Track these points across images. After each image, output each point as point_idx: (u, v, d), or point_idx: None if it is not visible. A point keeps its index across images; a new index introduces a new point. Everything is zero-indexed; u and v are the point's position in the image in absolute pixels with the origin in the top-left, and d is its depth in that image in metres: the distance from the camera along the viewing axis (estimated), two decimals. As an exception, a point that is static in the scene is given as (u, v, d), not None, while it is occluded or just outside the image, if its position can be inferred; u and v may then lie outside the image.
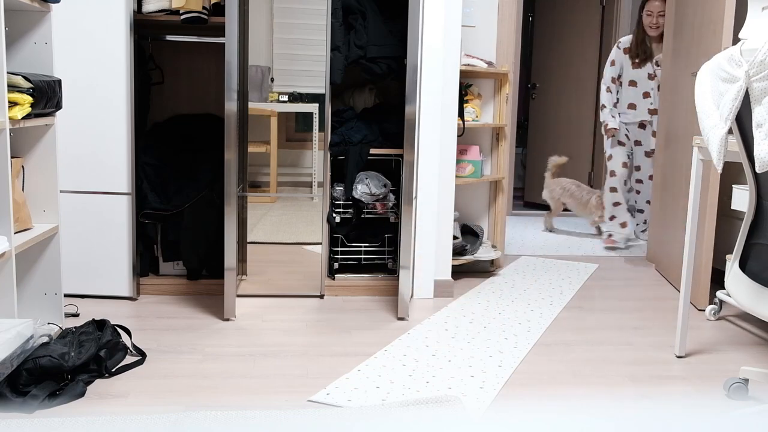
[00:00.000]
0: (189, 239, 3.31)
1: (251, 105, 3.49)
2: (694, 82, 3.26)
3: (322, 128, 3.39)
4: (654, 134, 4.62)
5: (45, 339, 2.24)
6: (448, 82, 3.37)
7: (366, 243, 3.54)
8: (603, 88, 4.63)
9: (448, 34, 3.34)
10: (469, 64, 3.66)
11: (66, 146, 3.12)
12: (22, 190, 2.67)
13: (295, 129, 3.90)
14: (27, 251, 2.70)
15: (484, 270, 3.98)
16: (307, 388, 2.32)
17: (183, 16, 3.11)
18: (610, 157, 4.64)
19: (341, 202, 3.43)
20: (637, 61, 4.51)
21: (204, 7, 3.13)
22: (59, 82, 2.60)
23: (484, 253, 3.79)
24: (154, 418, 2.04)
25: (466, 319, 3.10)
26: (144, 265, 3.37)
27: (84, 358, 2.27)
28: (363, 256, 3.54)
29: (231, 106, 2.87)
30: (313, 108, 3.69)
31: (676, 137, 3.84)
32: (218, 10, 3.17)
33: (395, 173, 3.50)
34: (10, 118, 2.29)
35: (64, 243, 3.17)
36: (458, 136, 3.49)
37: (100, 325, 2.56)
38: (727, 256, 3.30)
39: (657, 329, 3.06)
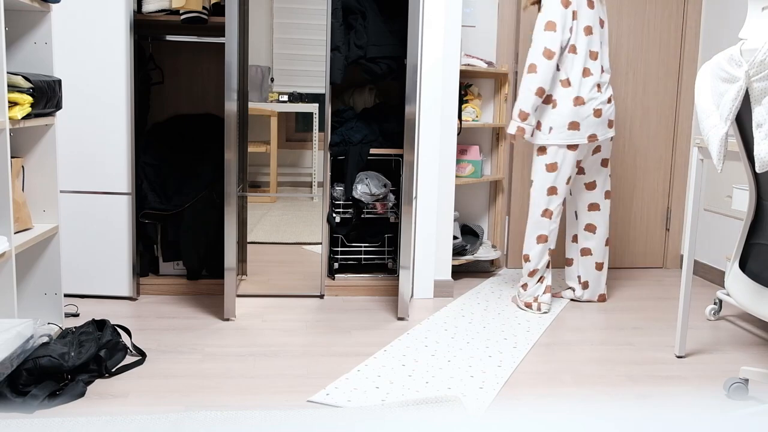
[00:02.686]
0: (189, 239, 3.31)
1: (251, 105, 3.49)
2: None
3: (322, 128, 3.39)
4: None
5: (45, 339, 2.24)
6: (448, 82, 3.37)
7: (366, 243, 3.54)
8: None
9: (448, 34, 3.34)
10: (469, 64, 3.66)
11: (66, 146, 3.12)
12: (22, 190, 2.67)
13: (295, 129, 3.90)
14: (27, 251, 2.70)
15: (484, 270, 3.98)
16: (307, 388, 2.32)
17: (183, 16, 3.11)
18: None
19: (341, 202, 3.43)
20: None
21: (204, 7, 3.13)
22: (59, 82, 2.60)
23: (484, 253, 3.79)
24: (154, 418, 2.04)
25: (466, 319, 3.10)
26: (144, 265, 3.37)
27: (84, 358, 2.27)
28: (363, 256, 3.54)
29: (231, 106, 2.87)
30: (313, 108, 3.69)
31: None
32: (218, 10, 3.17)
33: (395, 173, 3.50)
34: (10, 118, 2.29)
35: (64, 243, 3.17)
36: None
37: (100, 325, 2.56)
38: (727, 256, 3.31)
39: (657, 329, 3.06)
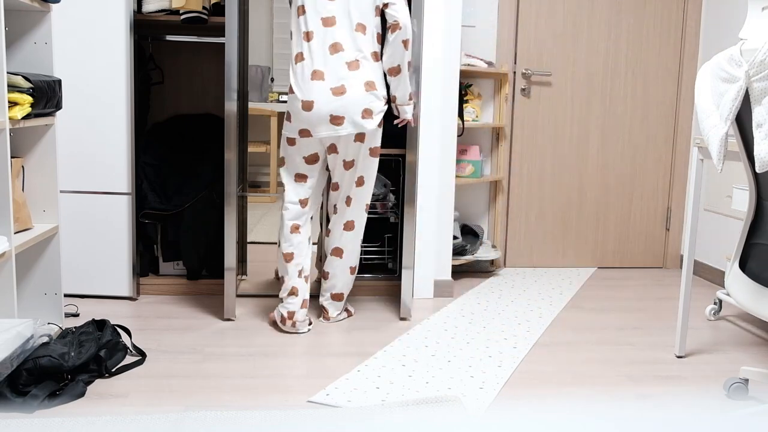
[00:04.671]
0: (189, 239, 3.31)
1: (251, 105, 3.49)
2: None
3: (322, 128, 3.38)
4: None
5: (45, 339, 2.24)
6: (448, 82, 3.37)
7: (366, 243, 3.54)
8: None
9: (448, 34, 3.34)
10: (469, 64, 3.66)
11: (66, 146, 3.12)
12: (22, 190, 2.67)
13: (295, 129, 3.88)
14: (27, 251, 2.70)
15: (484, 270, 3.98)
16: (307, 388, 2.32)
17: (183, 16, 3.11)
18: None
19: (341, 202, 3.43)
20: None
21: (204, 7, 3.13)
22: (59, 82, 2.60)
23: (484, 253, 3.79)
24: (154, 418, 2.04)
25: (466, 319, 3.10)
26: (144, 265, 3.37)
27: (84, 358, 2.27)
28: (363, 256, 3.54)
29: (231, 106, 2.87)
30: (313, 108, 3.67)
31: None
32: (218, 10, 3.17)
33: (395, 173, 3.50)
34: (10, 118, 2.29)
35: (64, 243, 3.17)
36: (458, 136, 3.49)
37: (100, 325, 2.56)
38: (727, 256, 3.31)
39: (657, 329, 3.06)
